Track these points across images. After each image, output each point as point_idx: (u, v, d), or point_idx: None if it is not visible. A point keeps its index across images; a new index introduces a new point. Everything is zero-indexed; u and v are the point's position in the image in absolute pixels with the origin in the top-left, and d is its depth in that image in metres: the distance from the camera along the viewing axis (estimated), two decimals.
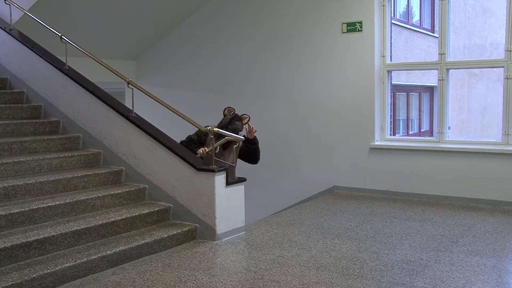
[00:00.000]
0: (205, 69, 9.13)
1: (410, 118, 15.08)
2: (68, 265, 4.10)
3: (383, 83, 7.43)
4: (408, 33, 13.54)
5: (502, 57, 6.69)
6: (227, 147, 5.73)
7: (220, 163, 5.38)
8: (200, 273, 4.28)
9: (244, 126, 5.86)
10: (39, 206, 4.64)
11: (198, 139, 5.82)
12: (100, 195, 5.17)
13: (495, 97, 15.14)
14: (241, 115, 5.87)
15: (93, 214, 4.97)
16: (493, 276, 4.18)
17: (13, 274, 3.87)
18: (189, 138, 5.88)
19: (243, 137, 5.60)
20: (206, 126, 5.54)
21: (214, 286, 3.99)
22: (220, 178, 5.21)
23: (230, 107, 5.98)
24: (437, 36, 7.13)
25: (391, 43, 7.64)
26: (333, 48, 7.67)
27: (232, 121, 5.81)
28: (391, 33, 7.63)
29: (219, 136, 5.42)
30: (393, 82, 7.80)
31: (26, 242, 4.16)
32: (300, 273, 4.26)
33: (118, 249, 4.49)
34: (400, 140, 7.66)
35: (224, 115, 5.93)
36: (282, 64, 8.19)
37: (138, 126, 5.66)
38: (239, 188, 5.45)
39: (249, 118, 5.88)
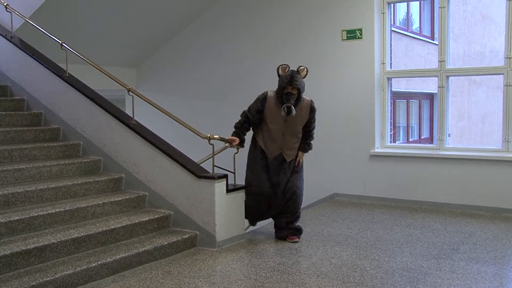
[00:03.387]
0: (206, 76, 9.15)
1: (410, 125, 15.07)
2: (68, 272, 4.09)
3: (383, 90, 7.44)
4: (408, 40, 13.56)
5: (502, 64, 6.71)
6: (289, 112, 5.12)
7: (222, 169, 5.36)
8: (200, 281, 4.27)
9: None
10: (39, 214, 4.63)
11: (258, 109, 5.33)
12: (100, 202, 5.16)
13: (495, 104, 15.13)
14: (297, 68, 5.23)
15: (93, 222, 4.96)
16: (494, 283, 4.17)
17: (13, 282, 3.86)
18: (246, 114, 5.43)
19: (243, 146, 5.52)
20: (264, 93, 5.34)
21: None
22: (220, 186, 5.21)
23: (283, 65, 5.28)
24: (437, 43, 7.15)
25: (391, 50, 7.65)
26: (333, 55, 7.69)
27: (293, 77, 5.12)
28: (391, 40, 7.64)
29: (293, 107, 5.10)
30: (393, 89, 7.82)
31: (26, 249, 4.15)
32: (300, 281, 4.25)
33: (118, 257, 4.48)
34: (400, 147, 7.66)
35: (280, 76, 5.25)
36: None
37: (138, 134, 5.66)
38: (240, 196, 5.45)
39: (307, 69, 5.24)
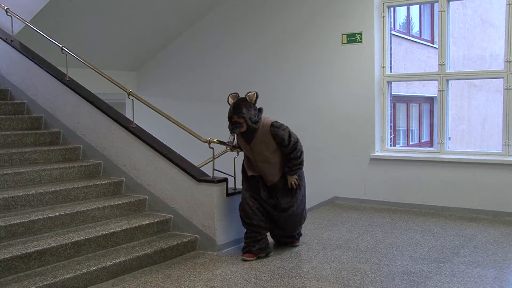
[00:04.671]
0: (206, 80, 9.15)
1: (410, 128, 15.09)
2: (68, 276, 4.09)
3: (383, 93, 7.45)
4: (408, 44, 13.58)
5: (502, 68, 6.71)
6: (250, 140, 4.96)
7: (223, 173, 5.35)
8: (201, 284, 4.27)
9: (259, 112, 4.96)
10: (39, 217, 4.63)
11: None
12: (100, 206, 5.16)
13: (495, 107, 15.16)
14: (246, 94, 4.96)
15: (93, 225, 4.96)
16: (495, 287, 4.16)
17: (12, 286, 3.85)
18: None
19: (236, 147, 5.43)
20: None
21: None
22: (220, 189, 5.21)
23: (232, 93, 5.06)
24: (437, 47, 7.16)
25: (391, 54, 7.65)
26: (333, 59, 7.69)
27: (235, 106, 4.88)
28: (391, 44, 7.65)
29: (245, 133, 4.92)
30: (393, 93, 7.82)
31: (26, 253, 4.15)
32: (300, 284, 4.24)
33: (118, 260, 4.48)
34: (400, 151, 7.65)
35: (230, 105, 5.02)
36: (282, 75, 8.21)
37: (139, 137, 5.67)
38: (240, 199, 5.44)
39: (256, 94, 4.94)
